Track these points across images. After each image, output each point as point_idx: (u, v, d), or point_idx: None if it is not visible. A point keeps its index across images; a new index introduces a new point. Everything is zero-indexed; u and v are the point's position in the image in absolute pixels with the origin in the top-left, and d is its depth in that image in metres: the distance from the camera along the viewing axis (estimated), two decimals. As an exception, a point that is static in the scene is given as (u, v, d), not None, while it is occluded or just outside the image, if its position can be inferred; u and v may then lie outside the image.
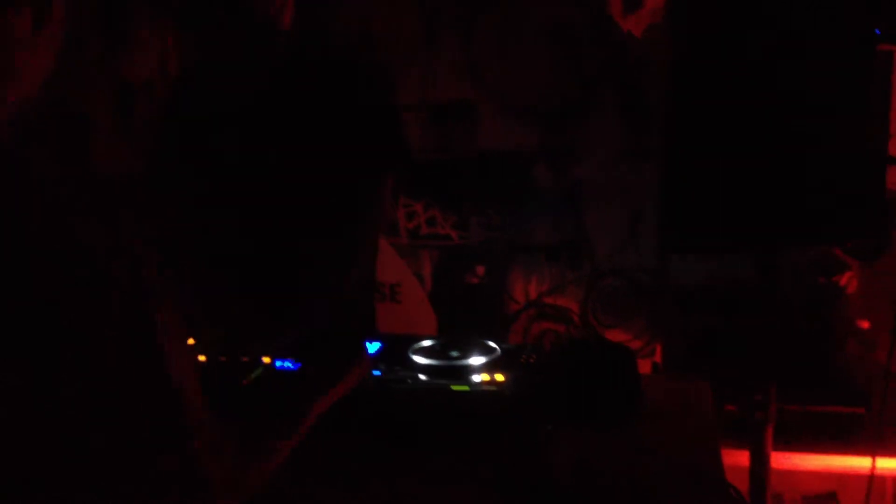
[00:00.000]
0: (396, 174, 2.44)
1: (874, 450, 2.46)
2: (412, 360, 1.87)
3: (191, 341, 2.06)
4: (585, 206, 3.24)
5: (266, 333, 2.19)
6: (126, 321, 1.10)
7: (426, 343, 1.95)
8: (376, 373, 1.85)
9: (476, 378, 1.77)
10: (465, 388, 1.71)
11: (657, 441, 1.63)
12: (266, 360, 1.94)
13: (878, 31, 1.87)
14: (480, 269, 3.37)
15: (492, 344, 1.92)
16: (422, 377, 1.81)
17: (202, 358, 1.97)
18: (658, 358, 3.23)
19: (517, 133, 3.22)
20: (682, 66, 1.84)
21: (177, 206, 2.48)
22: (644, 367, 3.21)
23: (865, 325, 2.76)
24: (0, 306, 1.03)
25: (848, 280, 2.74)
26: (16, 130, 1.09)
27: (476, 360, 1.82)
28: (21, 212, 1.05)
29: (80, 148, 1.20)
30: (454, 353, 1.86)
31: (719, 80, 1.80)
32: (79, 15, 1.14)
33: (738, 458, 2.14)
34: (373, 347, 2.00)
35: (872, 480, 2.50)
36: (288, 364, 1.93)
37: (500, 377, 1.75)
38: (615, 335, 3.24)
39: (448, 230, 3.35)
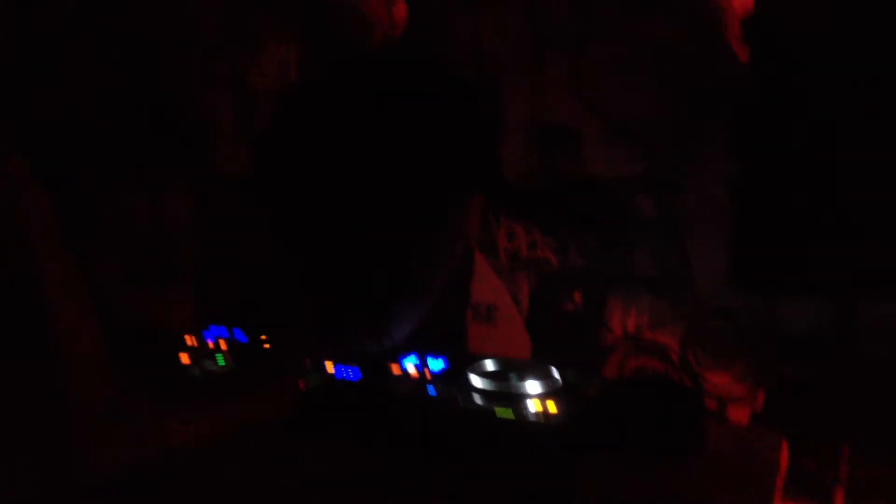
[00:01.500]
0: (495, 194, 2.42)
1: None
2: (469, 382, 1.84)
3: (263, 337, 2.11)
4: (690, 239, 3.11)
5: (340, 339, 2.21)
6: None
7: (489, 366, 1.92)
8: (431, 391, 1.83)
9: (529, 405, 1.72)
10: (510, 414, 1.66)
11: (700, 486, 1.54)
12: (329, 364, 1.95)
13: None
14: (578, 296, 3.29)
15: (554, 372, 1.87)
16: (476, 400, 1.78)
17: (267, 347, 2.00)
18: (759, 406, 3.06)
19: (622, 160, 3.13)
20: (760, 106, 1.74)
21: (280, 207, 2.55)
22: (743, 414, 3.06)
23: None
24: None
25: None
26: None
27: (532, 388, 1.77)
28: None
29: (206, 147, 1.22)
30: (513, 379, 1.82)
31: (803, 118, 1.70)
32: (208, 27, 1.17)
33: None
34: (436, 364, 1.98)
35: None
36: (350, 372, 1.93)
37: (552, 407, 1.70)
38: (715, 378, 3.09)
39: (548, 255, 3.30)
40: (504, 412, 1.65)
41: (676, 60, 2.98)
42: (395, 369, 1.96)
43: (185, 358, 2.04)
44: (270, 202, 2.57)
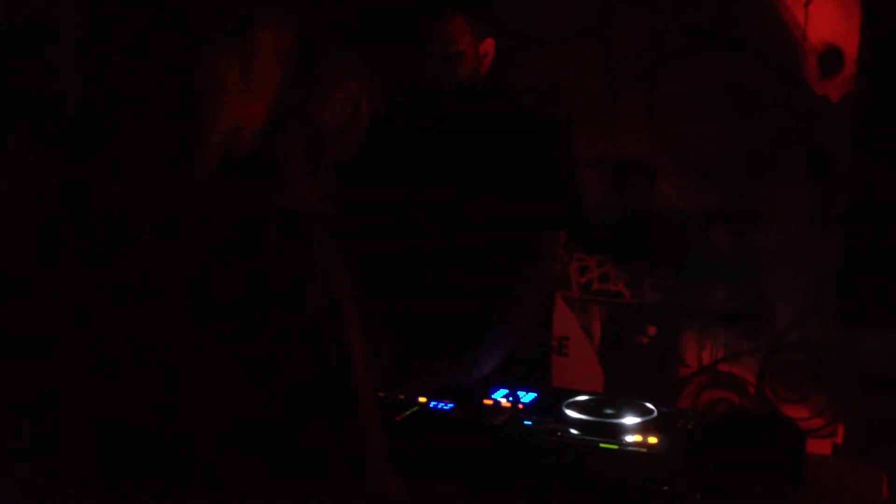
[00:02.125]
0: (571, 228, 2.45)
1: None
2: (565, 414, 1.85)
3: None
4: (765, 274, 3.11)
5: (427, 374, 2.24)
6: (321, 344, 1.17)
7: (582, 398, 1.93)
8: (527, 423, 1.84)
9: (628, 438, 1.73)
10: (615, 446, 1.67)
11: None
12: (422, 399, 1.97)
13: None
14: (652, 330, 3.29)
15: (649, 405, 1.87)
16: (573, 431, 1.79)
17: (362, 392, 2.03)
18: (839, 440, 3.04)
19: (696, 193, 3.15)
20: (867, 133, 1.75)
21: (357, 247, 2.59)
22: (824, 447, 3.03)
23: None
24: (203, 317, 1.11)
25: None
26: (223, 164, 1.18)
27: (630, 420, 1.78)
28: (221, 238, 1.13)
29: (275, 186, 1.29)
30: (608, 411, 1.83)
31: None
32: (279, 63, 1.23)
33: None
34: (528, 397, 1.99)
35: None
36: (443, 405, 1.96)
37: (652, 439, 1.70)
38: (793, 411, 3.06)
39: (620, 287, 3.31)
40: (608, 444, 1.66)
41: (751, 95, 3.00)
42: (487, 402, 1.98)
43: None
44: (350, 240, 2.62)
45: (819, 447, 2.96)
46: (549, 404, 1.92)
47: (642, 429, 1.74)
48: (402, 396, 1.98)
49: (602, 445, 1.67)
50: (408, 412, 1.92)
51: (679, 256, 3.22)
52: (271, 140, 3.79)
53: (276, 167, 3.83)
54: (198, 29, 1.14)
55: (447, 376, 2.22)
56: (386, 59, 3.30)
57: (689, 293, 3.23)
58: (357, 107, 3.75)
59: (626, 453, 1.65)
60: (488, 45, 2.30)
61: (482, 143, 2.34)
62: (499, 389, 2.03)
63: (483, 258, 2.30)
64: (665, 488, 1.57)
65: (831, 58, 2.94)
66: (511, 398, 1.98)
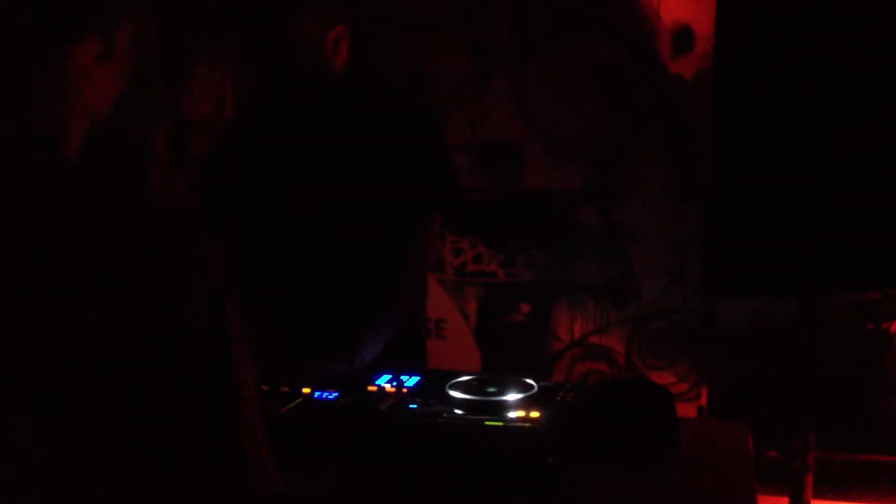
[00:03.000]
0: (443, 210, 2.47)
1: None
2: (449, 395, 1.88)
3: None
4: (631, 248, 3.24)
5: (310, 365, 2.23)
6: (202, 349, 1.15)
7: (464, 379, 1.96)
8: (412, 406, 1.86)
9: (512, 414, 1.77)
10: (500, 423, 1.71)
11: (691, 484, 1.62)
12: (306, 390, 1.96)
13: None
14: (525, 308, 3.38)
15: (529, 381, 1.93)
16: (458, 412, 1.82)
17: (244, 386, 2.01)
18: (703, 402, 3.20)
19: (564, 173, 3.24)
20: (728, 110, 1.85)
21: (228, 240, 2.54)
22: (689, 410, 3.19)
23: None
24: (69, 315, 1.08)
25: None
26: (82, 156, 1.15)
27: (512, 397, 1.83)
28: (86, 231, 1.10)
29: (139, 177, 1.26)
30: (491, 389, 1.87)
31: (767, 123, 1.81)
32: (142, 53, 1.20)
33: (778, 506, 2.10)
34: (411, 381, 2.01)
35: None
36: (327, 395, 1.95)
37: (535, 414, 1.75)
38: (660, 377, 3.21)
39: (494, 268, 3.38)
40: (493, 422, 1.70)
41: (611, 76, 3.11)
42: (371, 388, 1.99)
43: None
44: (222, 233, 2.56)
45: (685, 410, 3.11)
46: (433, 386, 1.95)
47: (524, 404, 1.79)
48: (285, 389, 1.97)
49: (487, 423, 1.71)
50: (292, 404, 1.90)
51: (549, 235, 3.31)
52: (136, 132, 3.65)
53: (141, 159, 3.69)
54: (57, 18, 1.11)
55: (331, 367, 2.21)
56: (247, 50, 3.24)
57: (559, 270, 3.33)
58: (222, 99, 3.66)
59: (511, 429, 1.70)
60: (340, 32, 2.27)
61: (345, 131, 2.33)
62: (382, 375, 2.04)
63: (358, 246, 2.30)
64: (550, 460, 1.62)
65: (683, 37, 3.08)
66: (395, 383, 1.99)
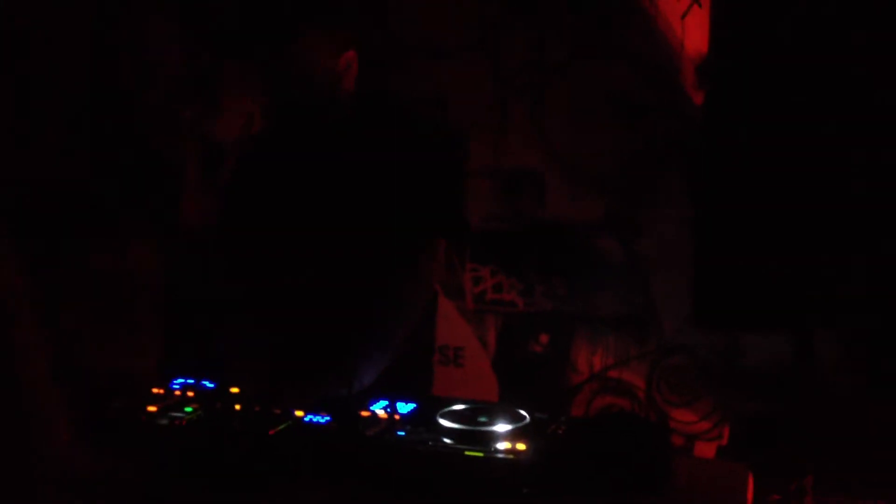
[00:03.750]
0: (459, 238, 2.46)
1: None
2: (438, 424, 1.85)
3: (235, 390, 2.11)
4: (653, 280, 3.18)
5: (305, 390, 2.22)
6: None
7: (457, 408, 1.93)
8: (400, 433, 1.84)
9: (499, 445, 1.74)
10: (480, 454, 1.68)
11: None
12: (299, 413, 1.95)
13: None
14: (544, 338, 3.33)
15: (522, 412, 1.89)
16: (446, 441, 1.80)
17: (237, 406, 2.00)
18: (725, 442, 3.12)
19: (584, 202, 3.21)
20: (716, 145, 1.81)
21: (243, 259, 2.57)
22: (709, 450, 3.10)
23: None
24: None
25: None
26: None
27: (501, 428, 1.79)
28: None
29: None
30: (482, 419, 1.84)
31: (754, 153, 1.77)
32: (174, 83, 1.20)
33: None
34: (406, 408, 1.99)
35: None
36: (318, 419, 1.94)
37: (521, 446, 1.72)
38: (681, 415, 3.14)
39: (513, 297, 3.34)
40: (473, 452, 1.66)
41: (631, 106, 3.07)
42: (364, 413, 1.97)
43: (151, 407, 2.03)
44: (235, 253, 2.58)
45: (706, 450, 3.03)
46: (426, 415, 1.92)
47: (513, 435, 1.76)
48: (277, 410, 1.96)
49: (467, 453, 1.68)
50: (281, 426, 1.89)
51: (570, 265, 3.27)
52: (163, 152, 3.68)
53: (170, 180, 3.72)
54: None
55: (327, 389, 2.20)
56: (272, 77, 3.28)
57: (580, 301, 3.28)
58: (250, 121, 3.71)
59: (493, 460, 1.66)
60: (350, 57, 2.30)
61: (353, 154, 2.34)
62: (379, 401, 2.02)
63: (357, 271, 2.30)
64: (525, 491, 1.58)
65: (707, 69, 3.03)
66: (389, 409, 1.97)
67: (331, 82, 2.28)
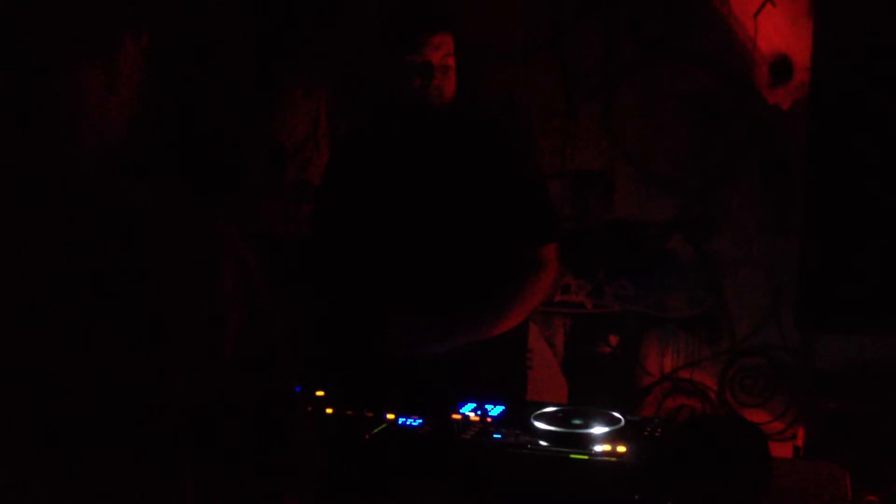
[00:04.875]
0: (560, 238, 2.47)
1: None
2: (533, 426, 1.86)
3: (320, 393, 2.14)
4: (724, 280, 3.16)
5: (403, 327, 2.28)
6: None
7: (549, 410, 1.94)
8: (497, 436, 1.85)
9: (597, 448, 1.74)
10: (585, 456, 1.68)
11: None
12: (390, 416, 1.97)
13: None
14: (613, 339, 3.32)
15: (616, 415, 1.89)
16: (542, 443, 1.80)
17: (329, 410, 2.02)
18: (799, 442, 3.09)
19: (654, 202, 3.19)
20: (827, 141, 1.79)
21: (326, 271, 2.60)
22: (785, 450, 3.07)
23: None
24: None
25: None
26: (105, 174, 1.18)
27: (598, 430, 1.80)
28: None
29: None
30: (576, 422, 1.84)
31: (866, 155, 1.74)
32: (141, 69, 1.22)
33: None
34: (496, 411, 2.00)
35: None
36: (411, 421, 1.95)
37: (621, 448, 1.72)
38: (754, 416, 3.11)
39: (582, 298, 3.33)
40: (579, 455, 1.67)
41: (705, 105, 3.05)
42: (455, 416, 1.98)
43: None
44: (319, 259, 2.61)
45: (780, 450, 3.00)
46: (518, 417, 1.93)
47: (611, 438, 1.76)
48: (370, 413, 1.98)
49: (572, 456, 1.68)
50: (377, 430, 1.91)
51: (639, 266, 3.25)
52: (235, 159, 3.73)
53: (240, 186, 3.76)
54: (61, 41, 1.14)
55: (421, 333, 2.25)
56: (351, 75, 3.29)
57: (650, 301, 3.27)
58: (316, 125, 3.73)
59: (597, 463, 1.67)
60: (452, 59, 2.33)
61: (463, 157, 2.35)
62: (467, 404, 2.03)
63: (460, 273, 2.32)
64: (637, 497, 1.58)
65: (781, 66, 3.01)
66: (479, 412, 1.98)
67: (457, 84, 2.31)
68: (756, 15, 3.00)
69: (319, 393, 2.14)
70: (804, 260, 1.83)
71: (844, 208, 1.80)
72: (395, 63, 2.28)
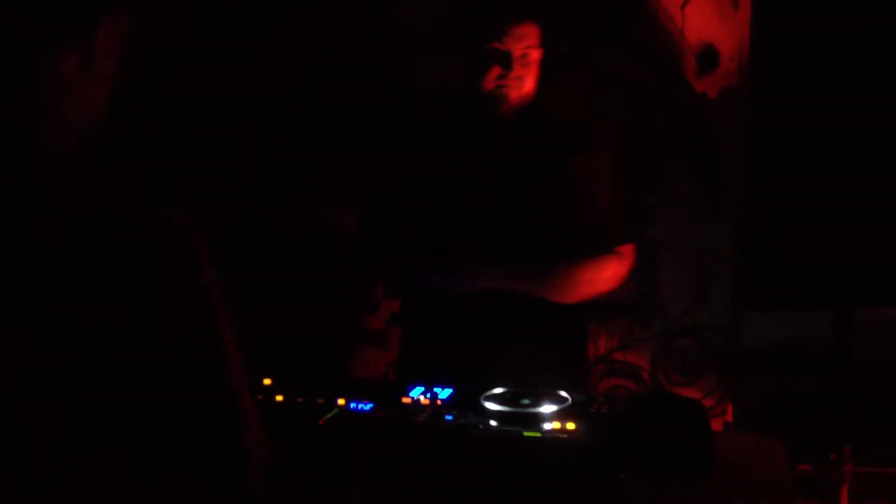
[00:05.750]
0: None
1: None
2: (484, 407, 1.90)
3: (268, 381, 2.14)
4: (657, 265, 3.25)
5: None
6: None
7: (498, 391, 1.98)
8: (448, 417, 1.88)
9: (547, 426, 1.79)
10: (537, 434, 1.73)
11: (727, 497, 1.63)
12: (341, 401, 1.99)
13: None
14: (550, 324, 3.38)
15: (563, 394, 1.95)
16: (493, 423, 1.84)
17: (279, 398, 2.03)
18: (729, 417, 3.20)
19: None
20: (763, 126, 1.86)
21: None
22: (715, 426, 3.18)
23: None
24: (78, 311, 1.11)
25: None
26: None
27: (547, 409, 1.85)
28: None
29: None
30: (525, 402, 1.89)
31: (801, 137, 1.82)
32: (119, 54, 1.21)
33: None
34: (444, 393, 2.04)
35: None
36: (362, 406, 1.98)
37: (571, 425, 1.77)
38: (685, 393, 3.21)
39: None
40: (531, 433, 1.72)
41: (636, 95, 3.13)
42: (406, 400, 2.01)
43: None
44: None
45: (712, 426, 3.11)
46: (467, 399, 1.97)
47: (560, 416, 1.81)
48: (320, 400, 1.99)
49: (525, 434, 1.73)
50: (329, 415, 1.93)
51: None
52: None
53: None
54: (38, 27, 1.13)
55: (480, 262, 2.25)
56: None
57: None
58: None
59: (549, 440, 1.72)
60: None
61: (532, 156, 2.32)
62: (415, 387, 2.06)
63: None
64: (623, 475, 1.62)
65: (708, 56, 3.10)
66: (429, 395, 2.01)
67: (538, 79, 2.28)
68: (683, 6, 3.09)
69: (267, 381, 2.14)
70: (741, 239, 1.91)
71: (779, 190, 1.88)
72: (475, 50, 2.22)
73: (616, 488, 1.62)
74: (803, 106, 1.85)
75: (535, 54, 2.29)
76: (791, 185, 1.86)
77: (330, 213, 3.04)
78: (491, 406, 1.88)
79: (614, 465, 1.66)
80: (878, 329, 2.46)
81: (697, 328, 3.22)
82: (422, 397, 2.01)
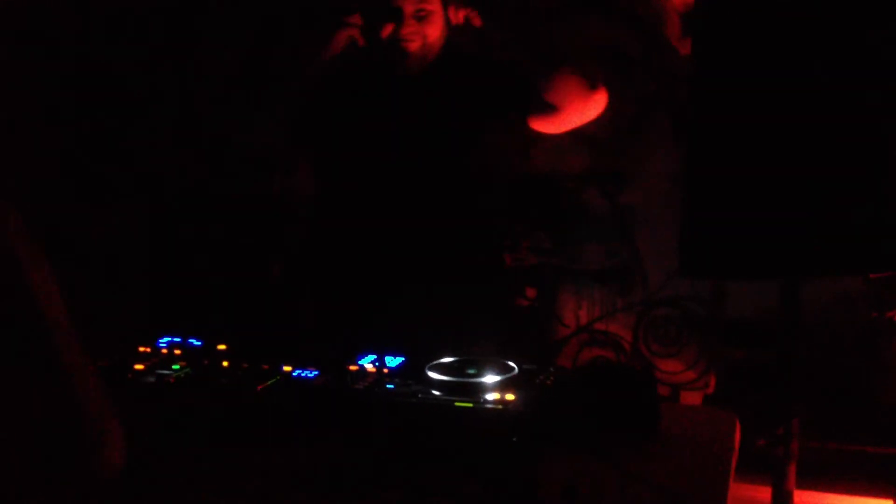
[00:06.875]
0: None
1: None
2: (427, 376, 1.86)
3: (222, 347, 2.11)
4: (638, 232, 3.19)
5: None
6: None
7: (445, 360, 1.93)
8: (389, 386, 1.84)
9: (488, 396, 1.74)
10: (470, 404, 1.68)
11: (660, 469, 1.57)
12: (287, 368, 1.95)
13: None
14: (531, 292, 3.33)
15: (511, 364, 1.90)
16: (435, 393, 1.80)
17: (225, 363, 2.00)
18: (711, 390, 3.15)
19: (569, 155, 3.19)
20: (703, 86, 1.79)
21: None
22: (696, 399, 3.13)
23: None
24: None
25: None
26: None
27: (489, 379, 1.80)
28: None
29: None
30: (471, 371, 1.84)
31: (744, 98, 1.75)
32: None
33: (763, 494, 2.05)
34: (394, 362, 1.99)
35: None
36: (307, 373, 1.94)
37: (510, 396, 1.72)
38: (667, 365, 3.16)
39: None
40: (463, 403, 1.67)
41: (616, 57, 3.04)
42: (352, 367, 1.97)
43: (138, 365, 2.02)
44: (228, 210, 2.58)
45: (691, 399, 3.06)
46: (415, 368, 1.93)
47: (501, 386, 1.76)
48: (265, 366, 1.96)
49: (457, 404, 1.68)
50: (269, 381, 1.89)
51: (555, 218, 3.26)
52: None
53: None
54: None
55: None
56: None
57: (565, 254, 3.28)
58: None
59: (482, 411, 1.67)
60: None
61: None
62: (367, 355, 2.02)
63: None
64: (514, 439, 1.59)
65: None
66: (377, 363, 1.97)
67: (440, 35, 2.32)
68: (667, -36, 3.00)
69: (221, 346, 2.12)
70: (684, 206, 1.84)
71: (723, 153, 1.81)
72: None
73: (545, 457, 1.58)
74: (755, 67, 1.78)
75: (433, 7, 2.26)
76: (736, 146, 1.79)
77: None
78: (434, 375, 1.84)
79: (549, 436, 1.62)
80: (848, 303, 2.40)
81: (680, 299, 3.16)
82: (369, 365, 1.97)
